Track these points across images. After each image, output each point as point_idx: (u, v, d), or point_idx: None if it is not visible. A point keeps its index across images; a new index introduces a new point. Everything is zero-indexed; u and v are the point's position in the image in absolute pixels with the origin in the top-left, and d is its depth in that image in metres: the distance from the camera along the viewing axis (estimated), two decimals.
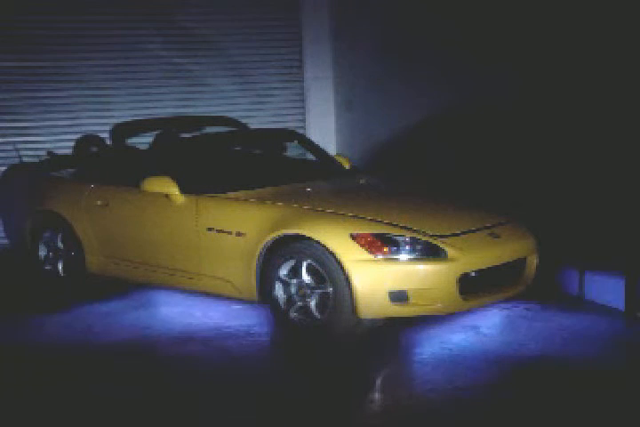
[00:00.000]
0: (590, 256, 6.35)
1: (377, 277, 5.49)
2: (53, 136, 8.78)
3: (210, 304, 6.51)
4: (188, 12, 9.14)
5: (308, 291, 5.72)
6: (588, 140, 6.30)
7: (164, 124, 7.70)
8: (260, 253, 5.87)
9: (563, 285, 6.58)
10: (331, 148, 9.37)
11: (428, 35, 7.95)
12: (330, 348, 5.63)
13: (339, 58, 9.43)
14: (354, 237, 5.56)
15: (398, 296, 5.50)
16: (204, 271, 6.24)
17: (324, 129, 9.59)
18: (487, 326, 5.89)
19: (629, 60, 6.01)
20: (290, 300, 5.82)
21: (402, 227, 5.68)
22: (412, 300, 5.53)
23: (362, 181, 6.97)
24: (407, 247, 5.55)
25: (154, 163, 6.71)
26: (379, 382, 5.14)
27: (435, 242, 5.61)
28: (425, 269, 5.51)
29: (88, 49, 8.81)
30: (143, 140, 7.74)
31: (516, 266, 5.98)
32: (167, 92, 9.14)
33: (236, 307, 6.44)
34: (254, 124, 8.85)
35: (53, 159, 7.91)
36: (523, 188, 6.89)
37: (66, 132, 8.73)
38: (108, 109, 8.92)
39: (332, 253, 5.55)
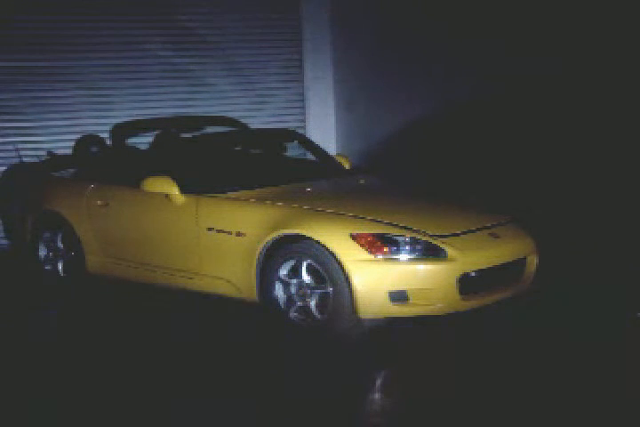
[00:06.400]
0: (588, 256, 6.35)
1: (377, 278, 5.49)
2: (53, 136, 8.78)
3: (210, 304, 6.50)
4: (187, 11, 9.15)
5: (308, 291, 5.73)
6: (588, 139, 6.30)
7: (164, 124, 7.71)
8: (260, 253, 5.87)
9: (560, 284, 6.57)
10: (331, 148, 9.38)
11: (429, 35, 7.95)
12: (330, 348, 5.63)
13: (339, 58, 9.43)
14: (354, 237, 5.56)
15: (398, 296, 5.51)
16: (204, 271, 6.24)
17: (323, 129, 9.59)
18: (487, 326, 5.89)
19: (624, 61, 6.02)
20: (290, 300, 5.82)
21: (402, 227, 5.68)
22: (412, 300, 5.53)
23: (362, 181, 6.96)
24: (407, 247, 5.55)
25: (154, 163, 6.72)
26: (379, 382, 5.14)
27: (435, 242, 5.61)
28: (425, 269, 5.51)
29: (88, 49, 8.82)
30: (143, 140, 7.75)
31: (516, 266, 5.98)
32: (167, 92, 9.15)
33: (236, 307, 6.44)
34: (254, 124, 8.86)
35: (53, 159, 7.92)
36: (523, 188, 6.89)
37: (66, 132, 8.73)
38: (108, 109, 8.92)
39: (332, 253, 5.55)
